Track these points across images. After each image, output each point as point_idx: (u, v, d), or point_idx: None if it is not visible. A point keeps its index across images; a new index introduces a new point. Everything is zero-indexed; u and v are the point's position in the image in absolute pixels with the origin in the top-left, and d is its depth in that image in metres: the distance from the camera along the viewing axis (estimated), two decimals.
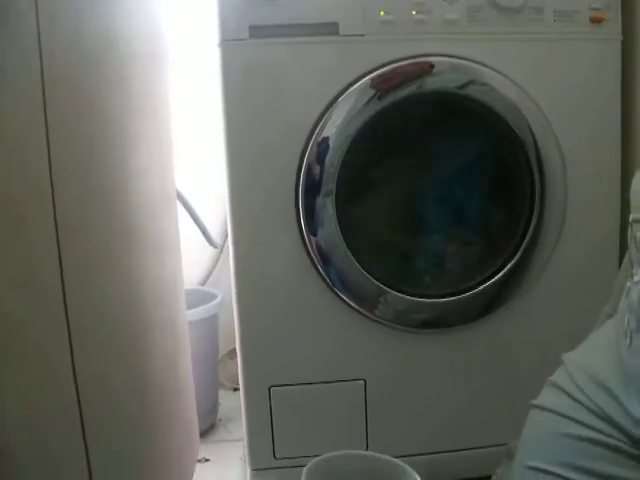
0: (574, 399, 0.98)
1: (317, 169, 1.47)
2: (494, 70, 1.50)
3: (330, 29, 1.46)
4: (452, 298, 1.56)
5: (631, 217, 0.95)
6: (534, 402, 1.05)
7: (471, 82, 1.48)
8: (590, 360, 1.01)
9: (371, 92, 1.46)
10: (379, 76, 1.46)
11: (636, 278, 0.89)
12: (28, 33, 0.82)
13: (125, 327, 1.16)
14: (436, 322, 1.59)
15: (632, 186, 1.00)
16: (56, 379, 0.89)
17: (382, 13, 1.47)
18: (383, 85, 1.46)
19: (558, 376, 1.04)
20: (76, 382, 0.92)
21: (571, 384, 1.00)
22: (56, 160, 0.86)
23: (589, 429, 0.94)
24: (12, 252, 0.76)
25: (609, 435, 0.92)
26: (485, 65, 1.50)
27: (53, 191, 0.85)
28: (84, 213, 0.98)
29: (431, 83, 1.48)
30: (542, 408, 1.03)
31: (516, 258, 1.55)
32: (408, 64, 1.47)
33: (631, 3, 1.57)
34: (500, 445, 1.28)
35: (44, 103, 0.83)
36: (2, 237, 0.74)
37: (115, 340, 1.10)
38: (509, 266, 1.55)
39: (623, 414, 0.90)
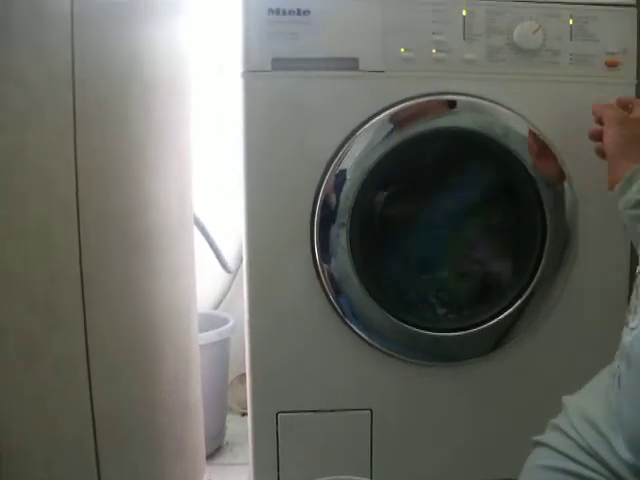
0: (570, 438, 1.01)
1: (333, 200, 1.50)
2: (510, 110, 1.52)
3: (351, 64, 1.49)
4: (461, 333, 1.57)
5: (638, 268, 0.97)
6: (537, 438, 1.08)
7: (488, 121, 1.51)
8: (586, 402, 1.04)
9: (389, 127, 1.48)
10: (397, 112, 1.49)
11: (632, 324, 0.90)
12: (63, 65, 0.85)
13: (139, 349, 1.18)
14: (445, 356, 1.60)
15: None
16: (74, 398, 0.92)
17: (403, 50, 1.50)
18: (401, 120, 1.49)
19: (559, 419, 1.07)
20: (92, 403, 0.94)
21: (568, 425, 1.03)
22: (82, 182, 0.89)
23: (577, 464, 0.97)
24: (38, 272, 0.79)
25: (595, 470, 0.95)
26: (502, 105, 1.52)
27: (78, 213, 0.88)
28: (106, 235, 1.01)
29: (448, 121, 1.51)
30: (540, 444, 1.06)
31: (526, 294, 1.56)
32: (426, 101, 1.50)
33: None
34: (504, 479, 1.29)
35: (74, 133, 0.86)
36: (29, 256, 0.77)
37: (129, 362, 1.13)
38: (519, 302, 1.56)
39: (610, 452, 0.93)
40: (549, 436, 1.07)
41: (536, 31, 1.52)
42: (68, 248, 0.88)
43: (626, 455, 0.91)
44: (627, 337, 0.91)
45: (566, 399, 1.10)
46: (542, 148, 1.50)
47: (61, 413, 0.88)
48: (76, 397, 0.93)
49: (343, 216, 1.50)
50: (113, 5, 1.07)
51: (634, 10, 1.57)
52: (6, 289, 0.74)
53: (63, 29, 0.84)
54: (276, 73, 1.48)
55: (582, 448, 0.99)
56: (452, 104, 1.51)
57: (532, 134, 1.51)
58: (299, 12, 1.47)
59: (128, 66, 1.15)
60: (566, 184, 1.54)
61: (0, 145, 0.74)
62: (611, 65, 1.56)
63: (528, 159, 1.51)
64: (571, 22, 1.54)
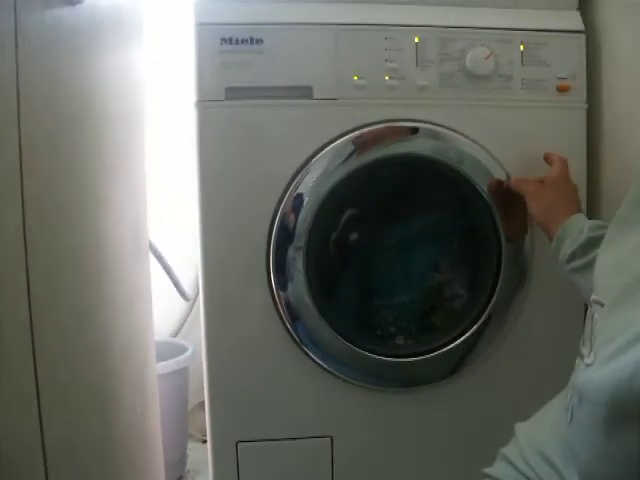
0: (519, 471, 1.01)
1: (290, 224, 1.50)
2: (463, 135, 1.53)
3: (304, 92, 1.49)
4: (418, 358, 1.57)
5: (592, 297, 0.98)
6: (485, 471, 1.09)
7: (443, 147, 1.52)
8: (537, 433, 1.04)
9: (346, 153, 1.49)
10: (354, 138, 1.49)
11: (587, 360, 0.90)
12: (7, 97, 0.84)
13: (93, 382, 1.17)
14: (403, 381, 1.60)
15: (595, 268, 1.03)
16: (24, 435, 0.90)
17: (356, 78, 1.51)
18: (359, 146, 1.49)
19: (509, 448, 1.08)
20: (43, 441, 0.93)
21: (518, 456, 1.03)
22: (30, 226, 0.88)
23: None
24: None
25: None
26: (455, 130, 1.53)
27: (26, 257, 0.87)
28: (55, 275, 1.00)
29: (404, 147, 1.51)
30: (489, 477, 1.07)
31: (482, 319, 1.57)
32: (382, 128, 1.51)
33: (596, 73, 1.62)
34: None
35: (20, 170, 0.85)
36: None
37: (82, 397, 1.11)
38: (475, 327, 1.57)
39: None
40: (497, 468, 1.08)
41: (488, 57, 1.53)
42: (16, 288, 0.87)
43: None
44: (581, 373, 0.91)
45: (518, 427, 1.10)
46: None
47: (11, 450, 0.87)
48: (27, 433, 0.91)
49: (300, 239, 1.50)
50: (63, 40, 1.06)
51: (582, 36, 1.59)
52: None
53: (7, 66, 0.84)
54: (230, 102, 1.48)
55: None
56: (408, 131, 1.52)
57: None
58: (252, 41, 1.47)
59: (79, 100, 1.14)
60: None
61: None
62: (562, 90, 1.58)
63: (483, 185, 1.52)
64: (522, 48, 1.56)
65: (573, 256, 1.24)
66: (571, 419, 0.92)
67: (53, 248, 0.98)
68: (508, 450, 1.08)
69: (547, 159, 1.49)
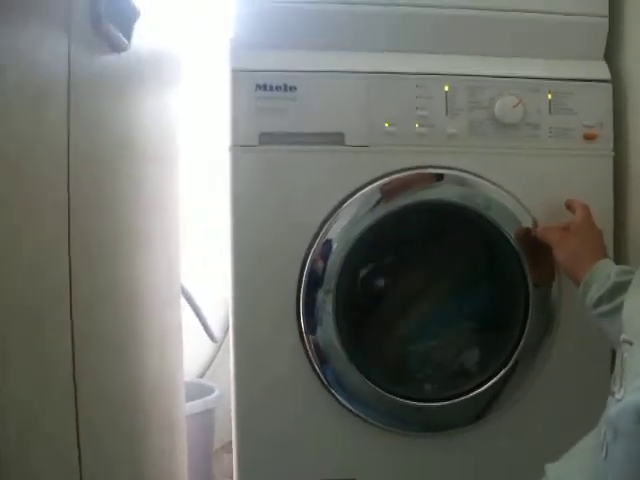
0: None
1: (320, 268, 1.51)
2: (491, 182, 1.55)
3: (336, 139, 1.52)
4: (445, 403, 1.58)
5: (622, 337, 1.00)
6: None
7: (471, 194, 1.54)
8: (569, 471, 1.05)
9: (375, 199, 1.51)
10: (383, 185, 1.52)
11: (617, 396, 0.93)
12: (59, 139, 0.88)
13: (127, 422, 1.19)
14: (428, 426, 1.60)
15: (623, 310, 1.05)
16: (63, 470, 0.92)
17: (387, 125, 1.53)
18: (387, 193, 1.51)
19: None
20: (81, 474, 0.94)
21: None
22: (74, 262, 0.91)
23: None
24: (32, 349, 0.80)
25: None
26: (483, 177, 1.56)
27: (71, 293, 0.90)
28: (96, 310, 1.02)
29: (432, 193, 1.54)
30: None
31: (509, 365, 1.57)
32: (411, 175, 1.53)
33: (622, 121, 1.64)
34: None
35: (68, 206, 0.88)
36: (24, 334, 0.78)
37: (117, 435, 1.13)
38: (502, 373, 1.57)
39: None
40: None
41: (516, 105, 1.56)
42: (59, 329, 0.90)
43: None
44: (613, 408, 0.93)
45: (548, 467, 1.11)
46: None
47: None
48: (66, 465, 0.93)
49: (329, 283, 1.51)
50: (109, 85, 1.09)
51: (609, 85, 1.62)
52: (3, 370, 0.76)
53: (59, 110, 0.87)
54: (263, 147, 1.51)
55: None
56: (436, 177, 1.54)
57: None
58: (286, 88, 1.50)
59: (121, 142, 1.17)
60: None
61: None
62: (589, 138, 1.60)
63: (510, 231, 1.54)
64: (550, 97, 1.59)
65: (600, 301, 1.25)
66: (606, 456, 0.93)
67: (94, 283, 1.01)
68: None
69: (569, 206, 1.50)
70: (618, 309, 1.19)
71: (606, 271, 1.28)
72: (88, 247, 0.98)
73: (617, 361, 0.98)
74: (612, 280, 1.24)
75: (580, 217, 1.45)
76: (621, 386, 0.92)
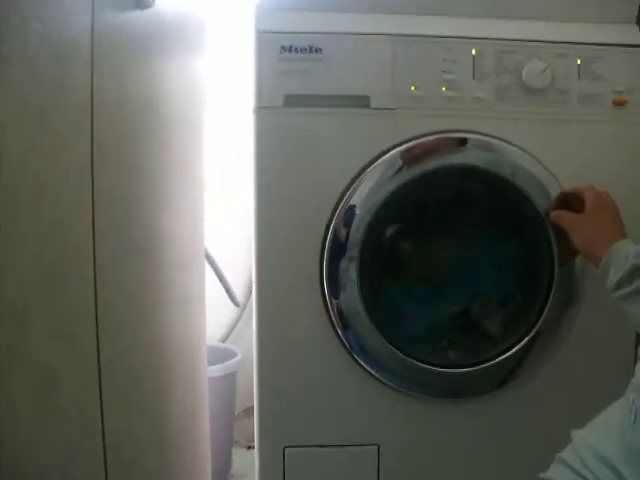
0: (578, 474, 1.01)
1: (343, 235, 1.51)
2: (519, 148, 1.54)
3: (362, 102, 1.51)
4: (469, 369, 1.57)
5: None
6: (542, 475, 1.09)
7: (497, 159, 1.53)
8: (597, 438, 1.04)
9: (399, 164, 1.50)
10: (407, 149, 1.51)
11: None
12: (82, 95, 0.87)
13: (149, 381, 1.19)
14: (452, 392, 1.60)
15: None
16: (85, 427, 0.92)
17: (413, 88, 1.52)
18: (411, 158, 1.50)
19: (566, 453, 1.08)
20: (103, 432, 0.95)
21: (577, 460, 1.03)
22: (98, 220, 0.91)
23: None
24: (54, 307, 0.80)
25: None
26: (510, 143, 1.54)
27: (94, 250, 0.89)
28: (120, 269, 1.02)
29: (458, 158, 1.52)
30: None
31: (534, 332, 1.56)
32: (436, 139, 1.52)
33: None
34: None
35: (92, 163, 0.88)
36: (46, 292, 0.78)
37: (140, 393, 1.13)
38: (526, 340, 1.57)
39: None
40: (557, 473, 1.08)
41: (544, 70, 1.54)
42: (82, 287, 0.90)
43: None
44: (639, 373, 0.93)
45: (575, 433, 1.10)
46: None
47: (74, 438, 0.89)
48: (88, 423, 0.94)
49: (353, 250, 1.51)
50: (133, 42, 1.09)
51: None
52: (25, 321, 0.76)
53: (83, 64, 0.86)
54: (288, 109, 1.50)
55: None
56: (462, 142, 1.53)
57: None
58: (311, 50, 1.49)
59: (145, 103, 1.17)
60: None
61: (21, 183, 0.75)
62: (618, 104, 1.57)
63: (536, 197, 1.52)
64: (579, 62, 1.56)
65: (620, 284, 1.22)
66: (634, 420, 0.92)
67: (119, 241, 1.01)
68: (566, 455, 1.08)
69: (573, 195, 1.49)
70: (638, 291, 1.18)
71: (624, 252, 1.25)
72: (112, 204, 0.98)
73: None
74: (630, 262, 1.22)
75: (590, 199, 1.42)
76: None
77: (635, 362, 0.99)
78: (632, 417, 0.94)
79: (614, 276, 1.24)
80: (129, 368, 1.07)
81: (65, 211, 0.83)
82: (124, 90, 1.04)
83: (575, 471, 1.03)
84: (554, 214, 1.47)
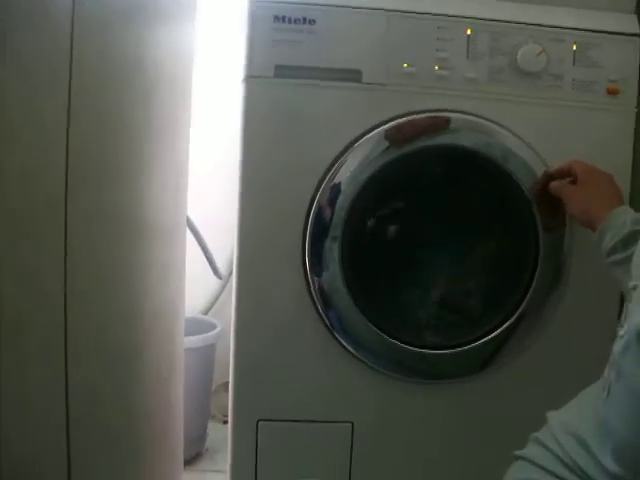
0: (551, 452, 1.01)
1: (327, 213, 1.50)
2: (509, 130, 1.53)
3: (353, 75, 1.49)
4: (449, 351, 1.57)
5: (631, 284, 0.98)
6: (516, 452, 1.09)
7: (487, 141, 1.51)
8: (572, 417, 1.05)
9: (385, 142, 1.49)
10: (394, 127, 1.49)
11: (620, 332, 0.92)
12: (62, 38, 0.85)
13: (120, 340, 1.18)
14: (431, 373, 1.60)
15: (634, 257, 1.04)
16: (47, 378, 0.91)
17: (405, 65, 1.50)
18: (397, 136, 1.49)
19: (541, 432, 1.08)
20: (67, 388, 0.94)
21: (551, 439, 1.03)
22: (72, 173, 0.89)
23: (557, 478, 0.98)
24: (21, 254, 0.79)
25: None
26: (500, 125, 1.53)
27: (66, 203, 0.88)
28: (93, 226, 1.01)
29: (445, 138, 1.51)
30: (521, 458, 1.07)
31: (516, 315, 1.56)
32: (424, 117, 1.51)
33: None
34: None
35: (68, 114, 0.86)
36: (13, 238, 0.77)
37: (109, 351, 1.12)
38: (508, 323, 1.56)
39: (594, 466, 0.94)
40: (530, 450, 1.08)
41: (539, 54, 1.52)
42: (53, 237, 0.88)
43: (612, 467, 0.91)
44: (616, 347, 0.93)
45: (550, 414, 1.11)
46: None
47: (36, 386, 0.88)
48: (52, 375, 0.93)
49: (336, 229, 1.50)
50: (119, 4, 1.07)
51: (637, 39, 1.58)
52: None
53: (64, 13, 0.85)
54: (278, 80, 1.48)
55: (564, 463, 1.00)
56: (451, 122, 1.51)
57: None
58: (304, 21, 1.47)
59: (131, 64, 1.15)
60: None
61: None
62: (612, 92, 1.57)
63: (525, 181, 1.51)
64: (574, 48, 1.55)
65: (614, 249, 1.23)
66: (608, 395, 0.92)
67: (93, 198, 1.00)
68: (540, 434, 1.08)
69: (559, 172, 1.48)
70: (631, 257, 1.17)
71: (621, 219, 1.26)
72: (87, 160, 0.97)
73: (624, 309, 0.97)
74: (628, 229, 1.22)
75: (580, 169, 1.43)
76: (625, 322, 0.92)
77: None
78: (605, 393, 0.94)
79: (610, 241, 1.24)
80: (96, 325, 1.05)
81: (37, 159, 0.81)
82: (107, 48, 1.03)
83: (547, 448, 1.03)
84: (555, 184, 1.47)
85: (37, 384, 0.87)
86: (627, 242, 1.21)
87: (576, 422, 1.02)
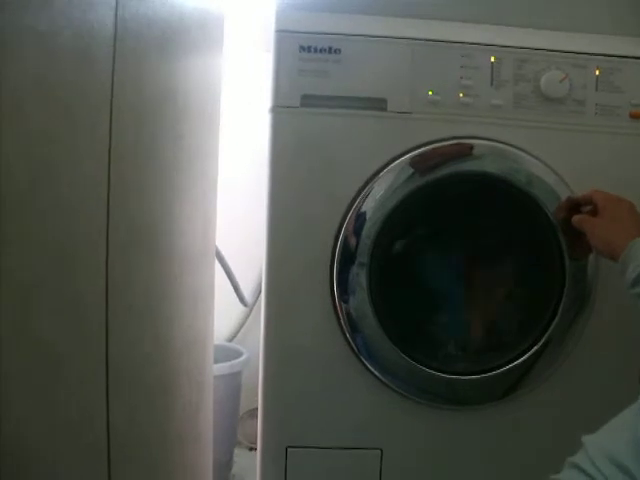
0: (589, 476, 1.01)
1: (353, 241, 1.51)
2: (534, 157, 1.54)
3: (379, 104, 1.51)
4: (476, 377, 1.57)
5: None
6: (552, 477, 1.08)
7: (512, 167, 1.52)
8: (609, 441, 1.04)
9: (410, 170, 1.50)
10: (419, 155, 1.51)
11: None
12: (103, 82, 0.87)
13: (155, 371, 1.19)
14: (457, 399, 1.60)
15: None
16: (88, 415, 0.92)
17: (430, 93, 1.52)
18: (422, 164, 1.50)
19: (578, 457, 1.07)
20: (108, 422, 0.95)
21: (589, 464, 1.03)
22: (113, 206, 0.91)
23: None
24: (61, 286, 0.80)
25: None
26: (526, 151, 1.54)
27: (107, 236, 0.89)
28: (131, 258, 1.02)
29: (472, 165, 1.52)
30: None
31: (541, 342, 1.56)
32: (448, 145, 1.52)
33: None
34: None
35: (109, 150, 0.88)
36: (55, 271, 0.78)
37: (145, 384, 1.13)
38: (533, 350, 1.56)
39: None
40: (567, 474, 1.07)
41: (563, 80, 1.54)
42: (94, 269, 0.90)
43: None
44: None
45: (586, 438, 1.10)
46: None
47: (75, 425, 0.89)
48: (92, 411, 0.94)
49: (363, 256, 1.51)
50: (153, 30, 1.09)
51: None
52: (34, 304, 0.76)
53: (106, 44, 0.87)
54: (304, 109, 1.50)
55: None
56: (476, 149, 1.52)
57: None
58: (330, 50, 1.49)
59: (163, 94, 1.17)
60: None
61: (32, 161, 0.76)
62: (635, 117, 1.57)
63: (550, 207, 1.52)
64: (597, 73, 1.56)
65: (637, 281, 1.23)
66: None
67: (132, 228, 1.01)
68: (577, 458, 1.07)
69: (583, 200, 1.49)
70: None
71: None
72: (126, 192, 0.98)
73: None
74: None
75: (600, 200, 1.43)
76: None
77: None
78: None
79: (632, 272, 1.24)
80: (135, 356, 1.07)
81: (80, 196, 0.83)
82: (143, 80, 1.05)
83: (587, 474, 1.03)
84: (576, 218, 1.47)
85: (75, 418, 0.88)
86: None
87: (614, 446, 1.02)
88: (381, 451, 1.61)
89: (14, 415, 0.75)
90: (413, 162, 1.50)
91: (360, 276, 1.51)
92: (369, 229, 1.50)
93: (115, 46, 0.86)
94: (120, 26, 0.87)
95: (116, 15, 0.85)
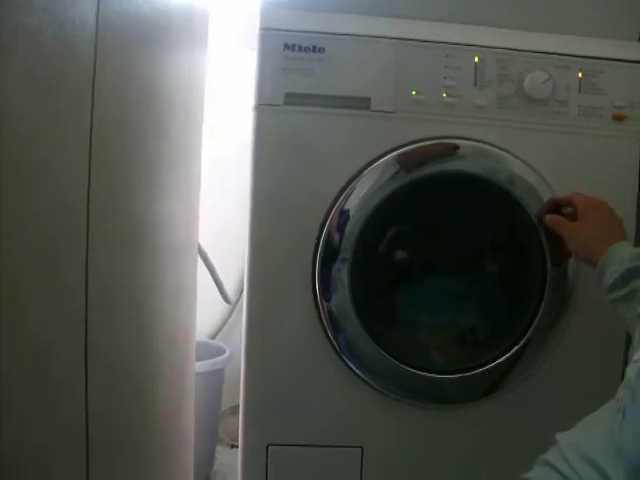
0: (561, 474, 1.01)
1: (336, 237, 1.51)
2: (516, 157, 1.54)
3: (362, 103, 1.51)
4: (457, 376, 1.58)
5: (638, 311, 1.00)
6: (524, 476, 1.09)
7: (494, 167, 1.53)
8: (582, 438, 1.05)
9: (394, 169, 1.50)
10: (403, 154, 1.51)
11: (635, 357, 0.93)
12: (85, 66, 0.87)
13: (140, 366, 1.19)
14: (439, 398, 1.60)
15: None
16: (70, 405, 0.92)
17: (414, 92, 1.52)
18: (406, 163, 1.51)
19: (550, 454, 1.08)
20: (87, 409, 0.95)
21: (562, 461, 1.03)
22: (94, 202, 0.91)
23: None
24: (47, 281, 0.80)
25: None
26: (508, 152, 1.54)
27: (88, 230, 0.89)
28: (114, 250, 1.02)
29: (455, 165, 1.53)
30: None
31: (523, 341, 1.56)
32: (433, 144, 1.52)
33: None
34: None
35: (90, 145, 0.88)
36: (40, 265, 0.79)
37: (126, 374, 1.13)
38: (515, 349, 1.57)
39: None
40: (538, 472, 1.08)
41: (546, 81, 1.54)
42: (74, 262, 0.90)
43: None
44: (631, 371, 0.93)
45: (559, 435, 1.11)
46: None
47: (60, 415, 0.89)
48: (73, 400, 0.94)
49: (346, 252, 1.51)
50: (136, 26, 1.09)
51: None
52: (15, 297, 0.76)
53: (87, 40, 0.86)
54: (288, 108, 1.50)
55: None
56: (459, 148, 1.53)
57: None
58: (314, 49, 1.49)
59: (148, 89, 1.17)
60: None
61: (19, 156, 0.75)
62: (618, 119, 1.58)
63: (532, 207, 1.53)
64: (580, 75, 1.57)
65: (614, 286, 1.24)
66: (623, 417, 0.93)
67: (113, 226, 1.01)
68: (549, 455, 1.08)
69: (564, 202, 1.49)
70: (633, 294, 1.19)
71: (620, 255, 1.26)
72: (109, 183, 0.98)
73: (636, 334, 0.99)
74: (626, 265, 1.23)
75: (581, 204, 1.43)
76: (638, 347, 0.93)
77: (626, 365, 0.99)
78: (620, 415, 0.94)
79: (609, 278, 1.25)
80: (115, 350, 1.07)
81: (63, 190, 0.83)
82: (126, 76, 1.04)
83: (558, 471, 1.03)
84: (549, 218, 1.47)
85: (60, 408, 0.88)
86: (627, 279, 1.22)
87: (587, 443, 1.03)
88: (362, 449, 1.61)
89: (13, 410, 0.76)
90: (399, 159, 1.51)
91: (342, 272, 1.51)
92: (352, 226, 1.50)
93: (97, 42, 0.86)
94: (102, 22, 0.86)
95: (98, 11, 0.85)
